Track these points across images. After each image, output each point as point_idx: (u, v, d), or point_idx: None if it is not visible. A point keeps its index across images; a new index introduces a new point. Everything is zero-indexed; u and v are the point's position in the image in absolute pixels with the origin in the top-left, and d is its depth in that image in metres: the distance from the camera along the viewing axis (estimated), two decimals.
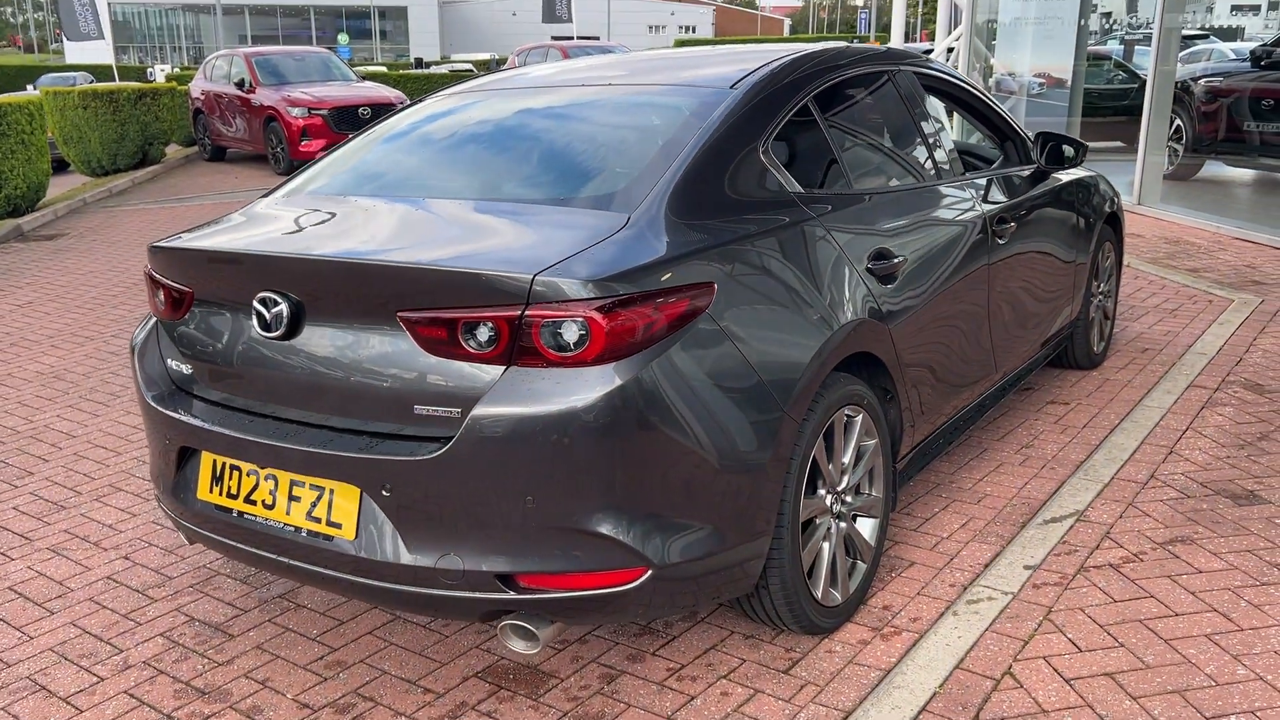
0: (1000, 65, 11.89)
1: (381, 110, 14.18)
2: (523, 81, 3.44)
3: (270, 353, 2.46)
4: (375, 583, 2.33)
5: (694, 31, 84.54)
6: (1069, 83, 10.64)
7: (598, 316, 2.16)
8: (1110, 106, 12.03)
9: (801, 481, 2.57)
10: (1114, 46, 13.52)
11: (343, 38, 49.01)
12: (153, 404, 2.69)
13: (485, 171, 2.86)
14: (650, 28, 78.84)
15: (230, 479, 2.53)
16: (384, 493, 2.27)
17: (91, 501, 3.94)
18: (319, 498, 2.37)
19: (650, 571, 2.26)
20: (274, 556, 2.48)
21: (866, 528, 2.94)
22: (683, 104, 2.85)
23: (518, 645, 2.33)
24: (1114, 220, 4.92)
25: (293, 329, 2.40)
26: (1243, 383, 4.66)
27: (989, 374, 3.70)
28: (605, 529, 2.21)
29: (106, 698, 2.70)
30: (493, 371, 2.20)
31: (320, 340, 2.38)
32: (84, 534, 3.66)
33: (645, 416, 2.21)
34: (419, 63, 45.58)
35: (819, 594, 2.72)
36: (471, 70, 34.79)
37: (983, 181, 3.79)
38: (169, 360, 2.75)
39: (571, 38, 27.52)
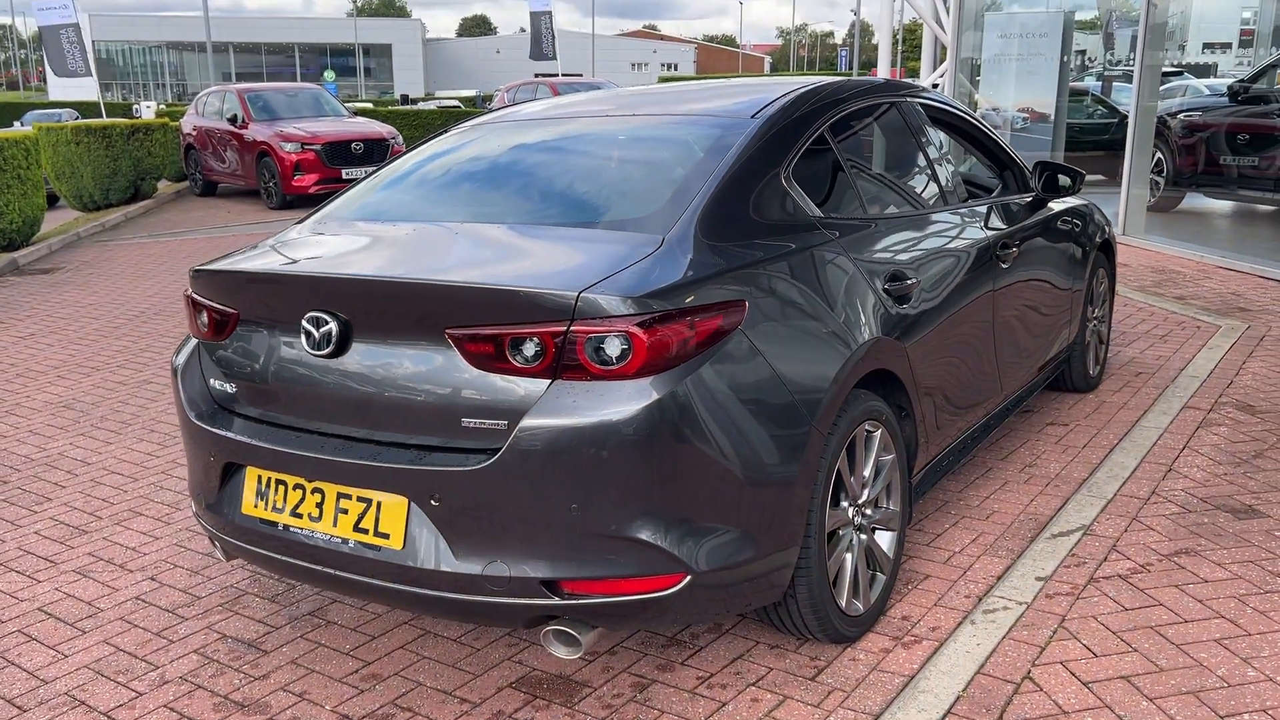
0: (984, 100, 12.16)
1: (374, 145, 14.32)
2: (545, 114, 3.56)
3: (317, 370, 2.55)
4: (422, 591, 2.40)
5: (676, 69, 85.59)
6: (1051, 117, 10.90)
7: (639, 331, 2.26)
8: (1091, 141, 12.32)
9: (827, 493, 2.67)
10: (1091, 83, 13.87)
11: (329, 75, 49.38)
12: (196, 422, 2.77)
13: (518, 197, 2.97)
14: (633, 65, 79.79)
15: (275, 494, 2.61)
16: (433, 503, 2.35)
17: (113, 526, 3.99)
18: (366, 509, 2.45)
19: (689, 577, 2.35)
20: (319, 568, 2.55)
21: (885, 540, 3.03)
22: (706, 133, 2.98)
23: (560, 651, 2.41)
24: (1107, 247, 5.08)
25: (340, 347, 2.49)
26: (1235, 404, 4.80)
27: (995, 394, 3.82)
28: (646, 535, 2.30)
29: (147, 711, 2.75)
30: (538, 385, 2.29)
31: (368, 357, 2.47)
32: (108, 557, 3.71)
33: (684, 427, 2.30)
34: (405, 99, 45.95)
35: (843, 603, 2.81)
36: (460, 107, 35.07)
37: (986, 208, 3.93)
38: (211, 380, 2.83)
39: (557, 74, 27.85)
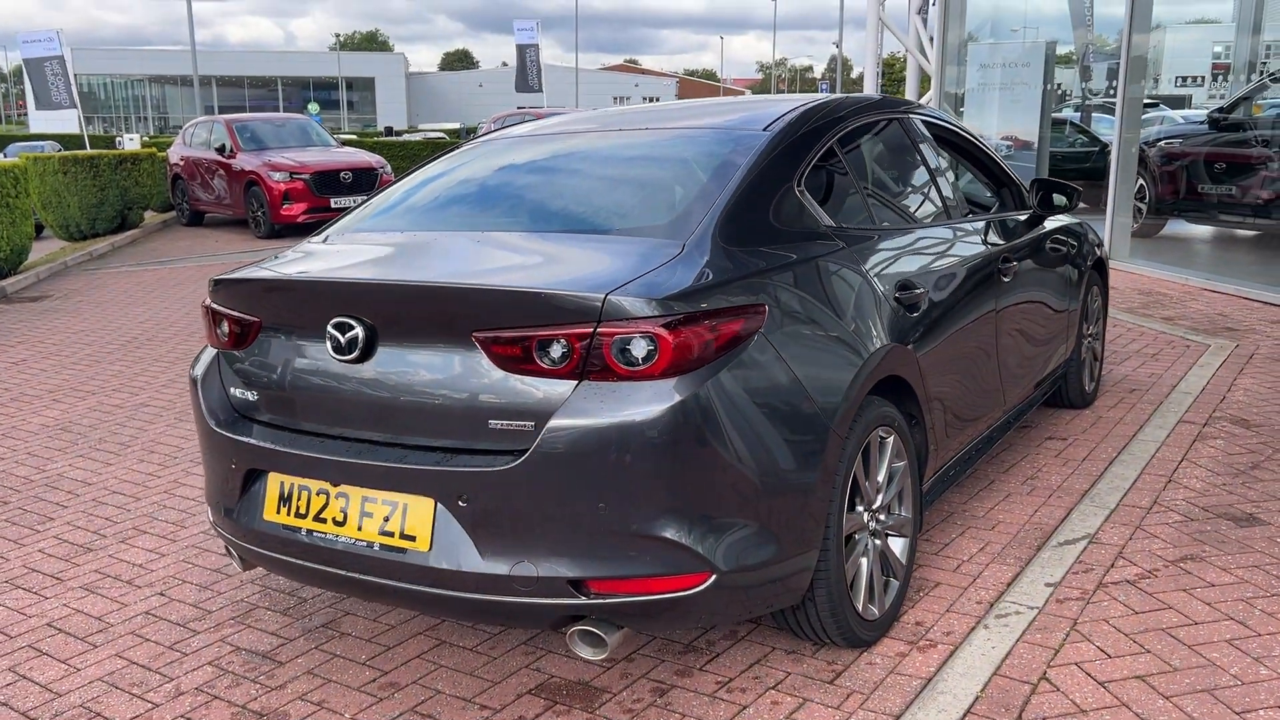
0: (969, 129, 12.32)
1: (363, 174, 14.37)
2: (561, 128, 3.61)
3: (341, 376, 2.57)
4: (447, 593, 2.41)
5: (658, 102, 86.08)
6: (1035, 145, 11.08)
7: (664, 333, 2.30)
8: (1074, 169, 12.50)
9: (844, 497, 2.71)
10: (1069, 113, 14.11)
11: (313, 107, 49.54)
12: (217, 430, 2.78)
13: (539, 206, 3.01)
14: (615, 98, 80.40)
15: (299, 499, 2.61)
16: (460, 504, 2.36)
17: (118, 543, 3.97)
18: (392, 512, 2.46)
19: (714, 577, 2.37)
20: (341, 573, 2.56)
21: (898, 546, 3.06)
22: (721, 144, 3.03)
23: (586, 652, 2.42)
24: (1100, 266, 5.17)
25: (366, 352, 2.51)
26: (1229, 418, 4.87)
27: (998, 405, 3.87)
28: (672, 534, 2.32)
29: None
30: (565, 386, 2.32)
31: (393, 362, 2.50)
32: (115, 573, 3.69)
33: (708, 427, 2.34)
34: (389, 131, 46.14)
35: (860, 607, 2.84)
36: (444, 139, 35.27)
37: (986, 223, 4.01)
38: (231, 389, 2.84)
39: (542, 106, 28.05)
